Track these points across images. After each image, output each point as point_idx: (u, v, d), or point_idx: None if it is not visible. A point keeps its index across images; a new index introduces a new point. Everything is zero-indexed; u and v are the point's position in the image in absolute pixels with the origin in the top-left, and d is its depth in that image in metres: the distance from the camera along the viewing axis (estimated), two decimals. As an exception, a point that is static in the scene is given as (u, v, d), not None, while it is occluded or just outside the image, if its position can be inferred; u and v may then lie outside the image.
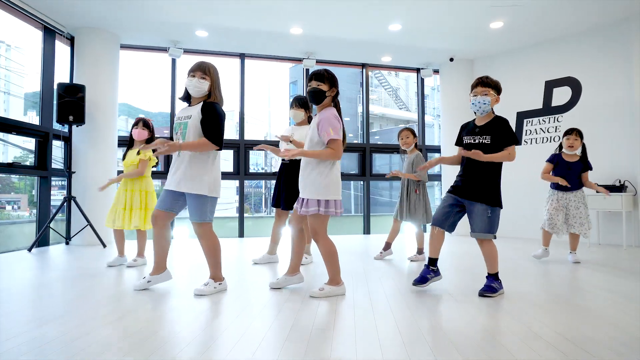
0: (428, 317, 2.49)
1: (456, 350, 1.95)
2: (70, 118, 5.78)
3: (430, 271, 3.19)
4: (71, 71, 6.63)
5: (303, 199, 3.04)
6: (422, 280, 3.17)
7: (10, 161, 5.64)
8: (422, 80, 8.45)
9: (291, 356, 1.88)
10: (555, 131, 6.73)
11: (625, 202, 5.68)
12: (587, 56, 6.44)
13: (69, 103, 5.78)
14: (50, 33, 6.19)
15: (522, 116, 7.19)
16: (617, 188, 5.81)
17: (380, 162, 13.70)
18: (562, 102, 6.72)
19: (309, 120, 4.44)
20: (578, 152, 4.56)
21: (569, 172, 4.49)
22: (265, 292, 3.16)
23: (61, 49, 6.56)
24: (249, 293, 3.15)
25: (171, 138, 3.39)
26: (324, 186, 2.98)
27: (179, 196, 3.15)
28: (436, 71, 8.25)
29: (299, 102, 4.40)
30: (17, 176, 7.26)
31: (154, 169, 4.52)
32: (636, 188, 5.83)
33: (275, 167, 15.87)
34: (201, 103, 3.12)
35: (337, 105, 3.14)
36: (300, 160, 3.36)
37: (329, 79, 3.07)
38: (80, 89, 5.89)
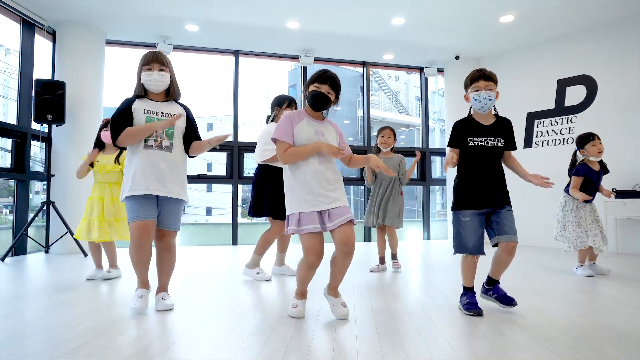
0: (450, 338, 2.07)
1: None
2: (49, 117, 5.37)
3: (475, 298, 2.72)
4: (53, 68, 6.22)
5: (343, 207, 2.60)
6: (476, 307, 2.64)
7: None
8: (426, 79, 8.05)
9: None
10: (569, 133, 6.32)
11: (647, 209, 5.26)
12: (603, 52, 6.03)
13: (48, 101, 5.36)
14: (29, 26, 5.80)
15: (532, 117, 6.78)
16: (637, 193, 5.39)
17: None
18: (576, 101, 6.31)
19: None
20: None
21: (596, 183, 4.12)
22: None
23: (42, 44, 6.16)
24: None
25: (126, 125, 2.85)
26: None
27: (158, 202, 2.75)
28: (440, 70, 7.86)
29: (271, 106, 3.96)
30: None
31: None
32: (658, 193, 5.41)
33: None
34: (175, 103, 2.89)
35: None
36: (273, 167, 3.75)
37: (339, 89, 2.63)
38: (60, 85, 5.48)
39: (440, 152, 8.19)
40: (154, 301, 2.84)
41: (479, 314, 2.60)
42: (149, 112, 2.73)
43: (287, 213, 2.55)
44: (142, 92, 2.77)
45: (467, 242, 2.67)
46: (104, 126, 3.88)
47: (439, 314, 2.68)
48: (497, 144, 2.72)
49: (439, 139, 15.34)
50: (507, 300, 2.68)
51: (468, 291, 2.74)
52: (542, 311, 2.73)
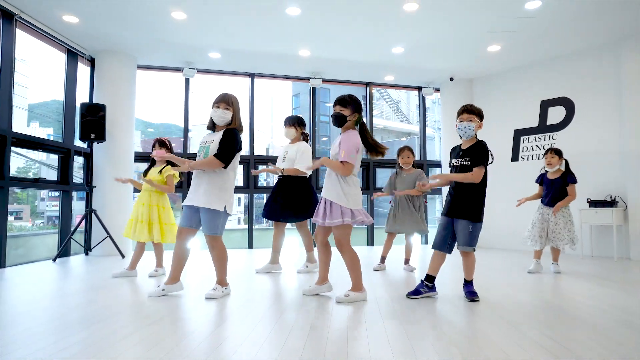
0: (431, 320, 2.81)
1: (456, 348, 2.27)
2: (92, 136, 6.14)
3: (424, 286, 3.54)
4: (91, 91, 7.00)
5: (325, 211, 3.36)
6: (415, 292, 3.51)
7: (17, 174, 5.99)
8: (424, 98, 8.82)
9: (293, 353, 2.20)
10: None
11: (616, 217, 6.00)
12: (580, 77, 6.80)
13: (91, 122, 6.14)
14: (73, 55, 6.58)
15: (519, 133, 7.54)
16: (608, 203, 6.14)
17: (382, 176, 14.06)
18: (556, 120, 7.08)
19: (304, 137, 4.90)
20: (562, 167, 4.93)
21: (551, 188, 4.90)
22: (267, 300, 3.48)
23: (81, 70, 6.94)
24: (258, 301, 3.48)
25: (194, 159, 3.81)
26: (344, 195, 3.33)
27: (195, 211, 3.53)
28: (437, 89, 8.62)
29: (291, 121, 4.86)
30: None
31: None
32: (626, 203, 6.15)
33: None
34: (224, 130, 3.52)
35: (362, 126, 3.46)
36: (293, 177, 4.67)
37: (351, 104, 3.43)
38: (101, 108, 6.26)
39: (438, 164, 8.93)
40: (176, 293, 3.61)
41: (408, 297, 3.49)
42: (202, 142, 3.60)
43: (349, 207, 3.33)
44: (210, 125, 3.63)
45: (435, 239, 3.59)
46: (152, 146, 4.65)
47: (428, 301, 3.43)
48: (464, 163, 3.45)
49: (439, 147, 16.07)
50: (471, 294, 3.45)
51: (426, 280, 3.55)
52: (512, 299, 3.48)
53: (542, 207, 4.98)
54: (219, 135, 3.51)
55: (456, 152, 3.58)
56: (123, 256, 6.22)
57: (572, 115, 6.90)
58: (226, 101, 3.53)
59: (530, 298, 3.57)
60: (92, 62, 6.96)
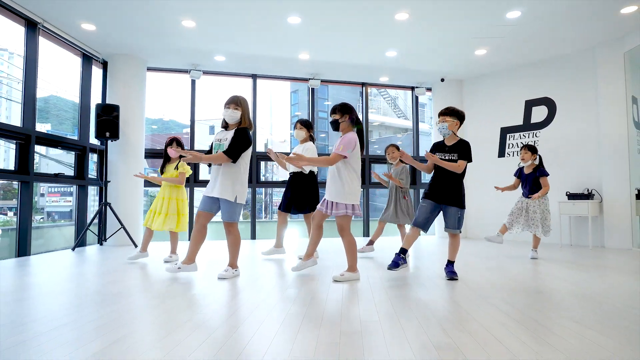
0: (417, 297, 3.31)
1: (440, 324, 2.76)
2: (107, 134, 6.62)
3: (401, 258, 4.03)
4: (103, 91, 7.47)
5: (333, 203, 3.92)
6: (395, 265, 3.97)
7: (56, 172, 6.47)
8: (417, 97, 9.30)
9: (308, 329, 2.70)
10: (535, 145, 7.56)
11: (592, 208, 6.51)
12: (561, 79, 7.30)
13: (106, 121, 6.61)
14: (87, 59, 7.04)
15: (505, 131, 8.04)
16: (585, 196, 6.64)
17: (378, 171, 14.56)
18: (539, 119, 7.58)
19: (311, 139, 5.39)
20: (536, 162, 5.48)
21: (526, 182, 5.52)
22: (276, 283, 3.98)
23: (94, 72, 7.40)
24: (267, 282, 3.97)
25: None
26: (346, 194, 3.89)
27: (215, 200, 4.03)
28: (429, 89, 9.11)
29: (302, 123, 5.35)
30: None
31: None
32: (602, 196, 6.66)
33: (278, 175, 16.73)
34: (236, 128, 4.01)
35: (359, 132, 4.00)
36: (301, 174, 5.22)
37: (341, 109, 4.02)
38: (115, 108, 6.73)
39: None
40: (189, 274, 4.11)
41: (390, 269, 3.96)
42: (216, 139, 4.09)
43: (352, 203, 3.91)
44: (223, 124, 4.12)
45: (418, 218, 4.07)
46: (169, 144, 5.13)
47: (418, 282, 3.93)
48: (451, 158, 4.01)
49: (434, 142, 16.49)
50: (451, 274, 4.00)
51: (399, 252, 4.04)
52: (488, 279, 3.99)
53: (521, 199, 5.53)
54: (231, 133, 3.96)
55: (442, 147, 4.08)
56: (136, 246, 6.71)
57: (553, 114, 7.40)
58: (235, 102, 4.00)
59: (506, 280, 4.07)
60: (104, 64, 7.43)
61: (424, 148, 12.20)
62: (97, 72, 7.48)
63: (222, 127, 4.13)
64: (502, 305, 2.93)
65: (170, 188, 5.10)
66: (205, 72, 8.08)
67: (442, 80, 8.58)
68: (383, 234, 5.81)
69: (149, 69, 7.77)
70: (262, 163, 8.60)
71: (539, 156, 5.52)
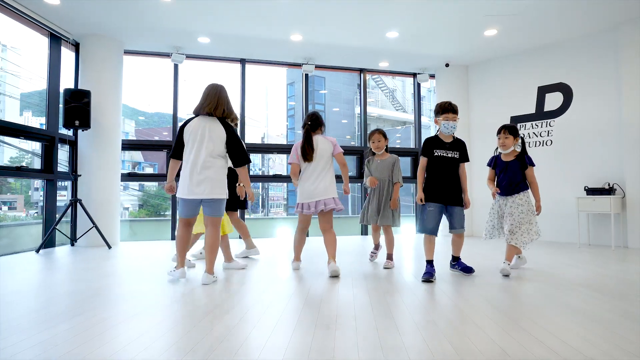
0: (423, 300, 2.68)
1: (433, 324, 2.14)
2: (77, 123, 5.94)
3: (434, 269, 3.83)
4: (76, 76, 6.78)
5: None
6: (430, 276, 3.73)
7: (11, 164, 5.80)
8: (419, 85, 8.65)
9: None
10: (548, 135, 6.94)
11: (614, 205, 5.88)
12: (578, 63, 6.65)
13: (75, 108, 5.94)
14: (56, 39, 6.35)
15: (515, 120, 7.39)
16: (606, 191, 6.01)
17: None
18: (554, 107, 6.93)
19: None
20: (517, 147, 4.13)
21: (506, 173, 4.07)
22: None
23: (66, 55, 6.72)
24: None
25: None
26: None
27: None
28: (432, 76, 8.45)
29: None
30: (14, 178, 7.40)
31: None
32: (624, 191, 6.03)
33: (275, 169, 16.05)
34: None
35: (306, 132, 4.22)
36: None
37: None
38: (86, 94, 6.05)
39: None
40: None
41: (429, 280, 3.68)
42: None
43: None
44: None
45: (428, 225, 3.85)
46: None
47: (418, 284, 3.30)
48: (454, 156, 3.90)
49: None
50: (467, 270, 3.97)
51: (428, 263, 3.86)
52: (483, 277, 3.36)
53: (498, 198, 4.16)
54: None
55: (438, 143, 3.92)
56: (109, 246, 6.06)
57: (569, 101, 6.76)
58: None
59: (517, 282, 3.44)
60: (76, 47, 6.74)
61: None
62: (70, 56, 6.80)
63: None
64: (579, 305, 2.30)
65: None
66: (189, 56, 7.39)
67: (447, 65, 7.92)
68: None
69: (126, 52, 7.08)
70: (259, 156, 7.91)
71: (522, 139, 4.18)
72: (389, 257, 4.53)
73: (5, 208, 9.73)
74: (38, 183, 10.27)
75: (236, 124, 4.40)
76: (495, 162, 4.23)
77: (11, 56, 8.97)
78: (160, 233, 8.19)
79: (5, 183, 9.10)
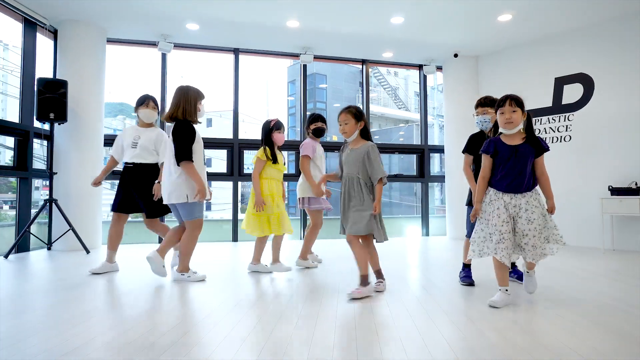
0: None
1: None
2: (51, 115, 5.41)
3: (470, 273, 3.64)
4: (54, 66, 6.26)
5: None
6: (469, 278, 3.59)
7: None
8: (425, 77, 8.11)
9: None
10: (566, 130, 6.38)
11: (643, 206, 5.32)
12: (601, 51, 6.09)
13: (50, 99, 5.41)
14: (31, 25, 5.83)
15: (530, 114, 6.83)
16: (633, 191, 5.46)
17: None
18: (573, 99, 6.37)
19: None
20: (521, 126, 2.95)
21: (516, 161, 2.86)
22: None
23: (44, 43, 6.20)
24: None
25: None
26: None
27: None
28: (439, 68, 7.91)
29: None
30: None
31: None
32: (653, 191, 5.48)
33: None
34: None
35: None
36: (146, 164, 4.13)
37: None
38: (62, 84, 5.53)
39: (439, 149, 8.24)
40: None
41: (471, 284, 3.51)
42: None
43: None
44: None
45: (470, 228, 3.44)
46: (276, 128, 4.15)
47: (437, 310, 2.75)
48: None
49: (438, 134, 15.36)
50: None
51: (466, 267, 3.63)
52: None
53: (501, 196, 2.91)
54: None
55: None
56: (88, 251, 5.53)
57: (591, 93, 6.20)
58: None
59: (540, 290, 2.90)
60: (55, 34, 6.21)
61: (431, 138, 10.95)
62: (49, 44, 6.28)
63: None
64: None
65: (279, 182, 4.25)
66: (177, 46, 6.86)
67: (456, 55, 7.36)
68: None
69: (109, 41, 6.55)
70: (246, 152, 7.38)
71: (528, 115, 2.96)
72: (377, 274, 3.41)
73: (6, 207, 9.33)
74: (38, 182, 9.76)
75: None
76: (495, 148, 2.93)
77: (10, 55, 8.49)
78: (151, 235, 7.64)
79: (7, 182, 8.73)
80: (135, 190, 4.08)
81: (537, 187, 2.95)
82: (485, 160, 2.98)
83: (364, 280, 3.15)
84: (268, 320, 2.53)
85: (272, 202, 4.00)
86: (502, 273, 2.90)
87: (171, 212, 3.92)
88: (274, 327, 2.39)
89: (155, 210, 4.06)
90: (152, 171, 4.12)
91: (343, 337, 2.22)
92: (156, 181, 4.03)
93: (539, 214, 2.85)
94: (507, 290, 2.89)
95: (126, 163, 4.14)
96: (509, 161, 2.87)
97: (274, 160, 4.07)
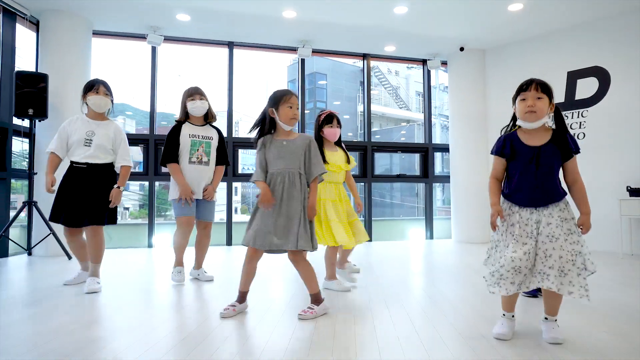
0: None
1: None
2: (30, 111, 5.05)
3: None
4: (37, 59, 5.90)
5: None
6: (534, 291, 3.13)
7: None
8: (429, 72, 7.74)
9: None
10: (580, 127, 6.02)
11: (665, 208, 4.96)
12: (618, 43, 5.72)
13: (29, 94, 5.05)
14: (10, 16, 5.48)
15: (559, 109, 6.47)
16: (654, 191, 5.10)
17: (382, 162, 13.00)
18: (587, 94, 6.00)
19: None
20: (549, 122, 2.31)
21: (539, 166, 2.24)
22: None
23: (26, 35, 5.85)
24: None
25: (175, 154, 3.63)
26: None
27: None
28: (444, 63, 7.53)
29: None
30: None
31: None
32: (676, 191, 5.11)
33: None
34: (212, 127, 3.90)
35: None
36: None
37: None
38: (42, 78, 5.17)
39: (443, 148, 7.87)
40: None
41: (535, 296, 3.10)
42: (193, 135, 3.71)
43: None
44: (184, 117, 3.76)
45: None
46: (327, 122, 3.48)
47: (442, 321, 2.38)
48: None
49: (440, 134, 14.98)
50: (530, 292, 3.13)
51: None
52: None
53: (517, 210, 2.27)
54: (213, 132, 3.87)
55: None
56: (69, 257, 5.16)
57: (606, 87, 5.83)
58: (200, 93, 3.74)
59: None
60: (36, 25, 5.85)
61: (433, 137, 10.61)
62: (30, 36, 5.92)
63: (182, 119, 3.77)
64: None
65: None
66: (168, 39, 6.49)
67: (462, 49, 7.00)
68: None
69: (96, 34, 6.19)
70: (241, 151, 7.02)
71: (557, 108, 2.33)
72: (316, 299, 2.74)
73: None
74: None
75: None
76: (512, 147, 2.30)
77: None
78: (142, 238, 7.29)
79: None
80: (86, 196, 3.41)
81: (568, 196, 2.29)
82: (498, 163, 2.36)
83: (317, 299, 2.71)
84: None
85: (320, 209, 3.33)
86: (506, 299, 2.30)
87: (113, 223, 3.52)
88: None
89: (103, 216, 3.45)
90: (108, 172, 3.54)
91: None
92: (115, 185, 3.48)
93: (566, 231, 2.16)
94: (513, 315, 2.32)
95: (75, 163, 3.47)
96: (528, 167, 2.23)
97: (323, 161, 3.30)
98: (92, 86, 3.54)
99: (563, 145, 2.23)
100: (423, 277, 4.08)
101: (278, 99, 2.71)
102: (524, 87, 2.29)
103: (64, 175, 3.51)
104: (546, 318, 2.26)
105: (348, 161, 3.55)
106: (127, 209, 13.66)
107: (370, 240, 7.24)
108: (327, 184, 3.39)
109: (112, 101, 3.65)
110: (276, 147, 2.72)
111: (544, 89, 2.27)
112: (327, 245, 3.33)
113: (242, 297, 2.75)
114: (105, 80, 3.66)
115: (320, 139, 3.48)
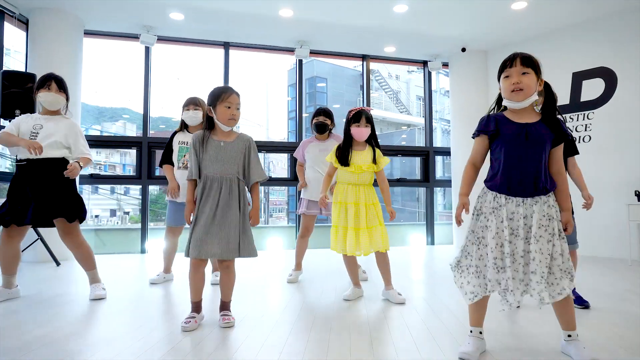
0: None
1: None
2: (17, 112, 4.86)
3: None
4: (26, 59, 5.74)
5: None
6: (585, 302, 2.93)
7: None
8: (430, 75, 7.57)
9: None
10: (586, 130, 5.84)
11: (676, 213, 4.77)
12: (625, 42, 5.55)
13: (15, 94, 4.87)
14: (-3, 14, 5.32)
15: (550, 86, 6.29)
16: (663, 196, 4.91)
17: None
18: (593, 96, 5.83)
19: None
20: (536, 99, 2.07)
21: (527, 147, 1.99)
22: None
23: (16, 34, 5.70)
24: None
25: (169, 157, 3.97)
26: None
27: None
28: (445, 64, 7.36)
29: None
30: None
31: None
32: (687, 196, 4.92)
33: (275, 172, 14.95)
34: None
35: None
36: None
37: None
38: (30, 77, 4.98)
39: (444, 152, 7.69)
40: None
41: (586, 306, 2.90)
42: (182, 142, 3.91)
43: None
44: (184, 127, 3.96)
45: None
46: (355, 121, 3.19)
47: (444, 333, 2.18)
48: None
49: (441, 138, 14.78)
50: (580, 302, 2.92)
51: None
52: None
53: (503, 202, 2.05)
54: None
55: None
56: (58, 263, 4.97)
57: (613, 89, 5.65)
58: (195, 103, 3.85)
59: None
60: (26, 24, 5.70)
61: (434, 141, 10.42)
62: (20, 35, 5.76)
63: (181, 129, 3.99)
64: None
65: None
66: (162, 39, 6.33)
67: (464, 50, 6.83)
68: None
69: (87, 33, 6.04)
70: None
71: (546, 84, 2.38)
72: (227, 306, 2.69)
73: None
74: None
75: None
76: (496, 126, 2.05)
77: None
78: (135, 244, 7.10)
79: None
80: (34, 192, 3.09)
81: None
82: (479, 144, 2.12)
83: (226, 306, 2.64)
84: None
85: (338, 213, 3.17)
86: (474, 309, 2.08)
87: (82, 219, 3.30)
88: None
89: (67, 211, 3.17)
90: (59, 168, 3.17)
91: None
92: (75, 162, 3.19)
93: (552, 229, 1.96)
94: (480, 332, 2.08)
95: (18, 161, 3.18)
96: (516, 147, 1.98)
97: (343, 162, 3.16)
98: (44, 82, 3.31)
99: (555, 126, 2.00)
100: (423, 286, 3.90)
101: (215, 97, 2.54)
102: (507, 63, 2.05)
103: (12, 176, 3.26)
104: (569, 335, 2.01)
105: (374, 161, 3.23)
106: (127, 213, 13.52)
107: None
108: (348, 185, 3.19)
109: (67, 98, 3.43)
110: (213, 148, 2.55)
111: (529, 63, 2.02)
112: (338, 252, 3.23)
113: (197, 307, 2.59)
114: (61, 76, 3.49)
115: (349, 138, 3.23)
